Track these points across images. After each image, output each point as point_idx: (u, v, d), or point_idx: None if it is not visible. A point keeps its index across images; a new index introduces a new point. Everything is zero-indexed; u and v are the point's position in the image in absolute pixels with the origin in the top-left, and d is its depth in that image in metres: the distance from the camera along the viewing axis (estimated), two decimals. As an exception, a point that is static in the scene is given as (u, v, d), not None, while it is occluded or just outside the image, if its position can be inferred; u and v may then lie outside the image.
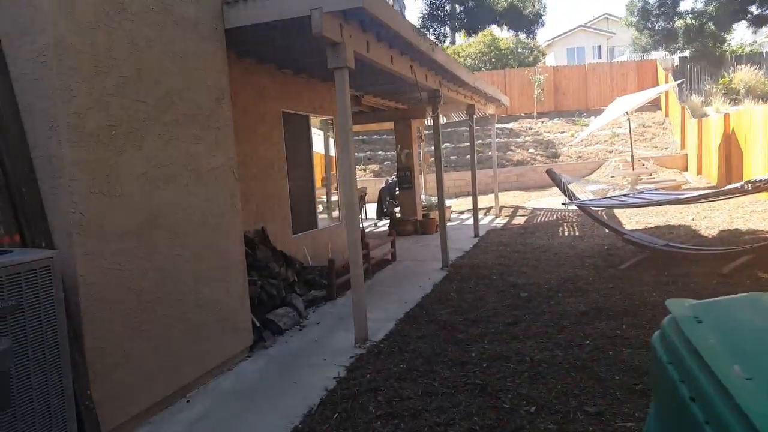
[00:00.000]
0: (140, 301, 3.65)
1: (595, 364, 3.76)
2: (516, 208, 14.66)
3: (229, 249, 4.60)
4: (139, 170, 3.66)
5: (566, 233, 9.84)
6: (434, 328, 5.15)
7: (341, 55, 4.61)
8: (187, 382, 4.10)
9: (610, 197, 7.29)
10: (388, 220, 13.61)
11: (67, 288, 3.12)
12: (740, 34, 37.97)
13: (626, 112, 15.33)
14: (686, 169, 19.17)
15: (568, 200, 7.28)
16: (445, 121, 15.43)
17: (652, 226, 9.32)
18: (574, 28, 36.01)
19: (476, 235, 10.66)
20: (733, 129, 14.09)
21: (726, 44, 35.94)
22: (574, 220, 11.46)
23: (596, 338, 4.27)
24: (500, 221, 12.71)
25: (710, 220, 9.41)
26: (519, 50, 26.37)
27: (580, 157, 20.14)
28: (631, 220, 10.29)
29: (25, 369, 2.74)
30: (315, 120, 8.07)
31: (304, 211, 7.61)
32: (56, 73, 3.10)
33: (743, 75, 23.81)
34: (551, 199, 16.33)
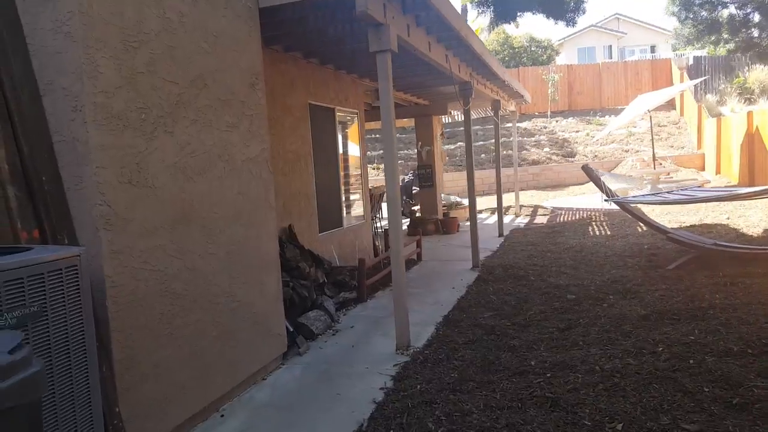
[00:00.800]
0: (173, 304, 3.27)
1: (677, 374, 3.36)
2: (536, 208, 14.26)
3: (264, 247, 4.22)
4: (171, 159, 3.28)
5: (597, 232, 9.43)
6: (480, 333, 4.76)
7: (384, 37, 4.23)
8: (221, 394, 3.72)
9: (653, 194, 6.89)
10: (406, 220, 13.24)
11: (94, 290, 2.74)
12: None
13: (647, 111, 14.94)
14: (703, 169, 18.74)
15: (607, 197, 6.88)
16: (462, 118, 15.05)
17: (687, 225, 8.91)
18: (585, 28, 35.60)
19: (501, 234, 10.27)
20: (757, 128, 13.66)
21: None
22: (602, 219, 11.05)
23: (669, 345, 3.86)
24: (522, 220, 12.32)
25: (746, 219, 8.99)
26: (532, 48, 26.00)
27: (596, 156, 19.74)
28: (663, 219, 9.87)
29: (50, 388, 2.36)
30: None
31: (330, 209, 7.23)
32: (81, 45, 2.73)
33: (758, 74, 23.40)
34: (570, 198, 15.94)
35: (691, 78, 22.38)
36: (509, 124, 19.58)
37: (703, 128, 19.05)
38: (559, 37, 34.25)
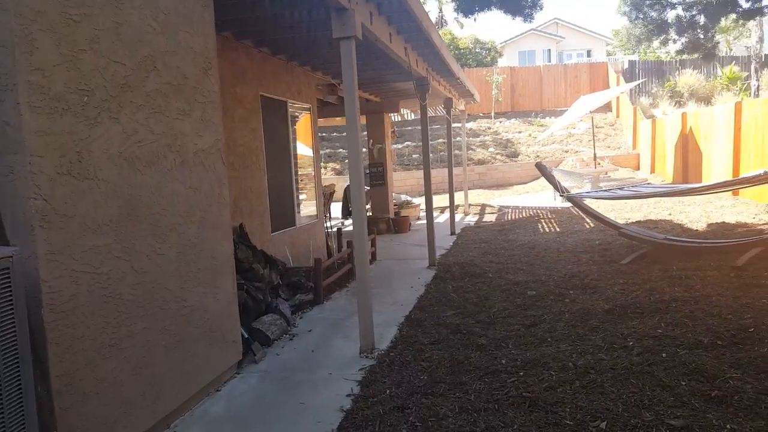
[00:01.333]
0: (118, 312, 2.93)
1: (653, 368, 3.32)
2: (483, 206, 14.38)
3: (218, 247, 3.91)
4: (116, 148, 2.93)
5: (547, 229, 9.56)
6: (445, 332, 4.62)
7: (349, 22, 4.01)
8: (172, 409, 3.38)
9: (605, 190, 7.01)
10: (356, 220, 13.05)
11: (28, 297, 2.39)
12: (671, 47, 39.66)
13: (589, 112, 15.39)
14: (638, 168, 19.56)
15: (562, 193, 6.93)
16: (412, 117, 15.00)
17: (633, 221, 9.17)
18: (526, 32, 36.53)
19: (453, 232, 10.25)
20: (690, 128, 14.35)
21: (666, 50, 37.41)
22: (549, 216, 11.24)
23: (639, 338, 3.85)
24: (471, 219, 12.37)
25: (687, 214, 9.36)
26: (477, 50, 26.37)
27: (538, 156, 20.21)
28: (608, 215, 10.12)
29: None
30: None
31: (283, 207, 6.92)
32: (13, 14, 2.37)
33: (687, 78, 24.75)
34: (516, 197, 16.21)
35: (627, 81, 23.38)
36: (457, 124, 19.76)
37: (638, 129, 19.88)
38: (502, 39, 35.00)
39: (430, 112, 14.86)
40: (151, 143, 3.21)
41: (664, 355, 3.48)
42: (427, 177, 7.55)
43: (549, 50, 36.88)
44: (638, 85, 23.16)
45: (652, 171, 17.64)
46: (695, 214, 9.25)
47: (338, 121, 14.50)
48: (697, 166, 13.56)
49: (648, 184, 7.59)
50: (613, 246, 7.28)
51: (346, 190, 13.70)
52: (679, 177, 14.96)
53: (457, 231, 10.39)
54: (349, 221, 13.32)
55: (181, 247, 3.47)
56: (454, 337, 4.51)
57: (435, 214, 14.05)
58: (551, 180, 7.36)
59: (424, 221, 13.05)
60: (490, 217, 12.26)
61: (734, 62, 24.64)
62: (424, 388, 3.57)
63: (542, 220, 10.66)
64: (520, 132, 22.13)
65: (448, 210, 12.16)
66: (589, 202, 7.91)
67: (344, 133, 21.40)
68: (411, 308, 5.53)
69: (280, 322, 5.10)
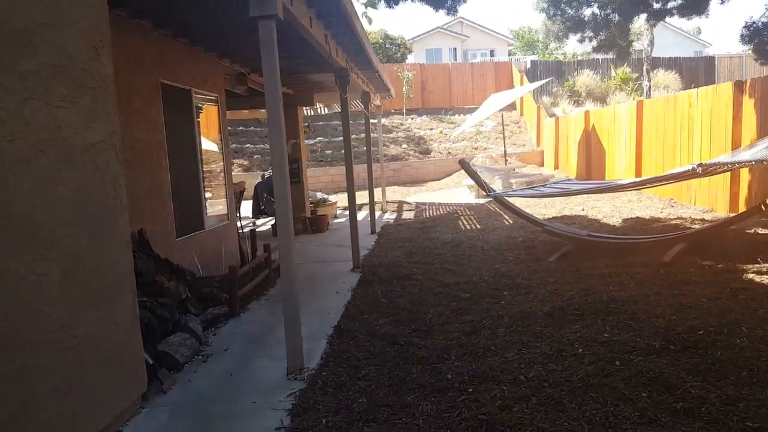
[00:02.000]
0: (-19, 353, 2.26)
1: (610, 380, 3.14)
2: (400, 203, 14.20)
3: (115, 261, 3.26)
4: (-28, 141, 2.26)
5: (468, 227, 9.48)
6: (381, 344, 4.24)
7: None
8: (60, 465, 2.74)
9: (530, 188, 6.96)
10: (269, 219, 12.36)
11: None
12: (572, 46, 42.11)
13: (499, 109, 15.68)
14: (542, 165, 20.33)
15: (489, 192, 6.80)
16: (325, 112, 14.49)
17: (550, 217, 9.31)
18: (432, 30, 37.05)
19: (373, 231, 9.91)
20: (593, 126, 15.02)
21: (562, 51, 39.54)
22: (468, 213, 11.23)
23: (587, 344, 3.68)
24: (390, 216, 12.12)
25: (599, 209, 9.66)
26: (387, 45, 26.24)
27: (449, 153, 20.43)
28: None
29: None
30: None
31: (189, 209, 6.21)
32: None
33: (585, 79, 26.19)
34: (431, 194, 16.21)
35: (530, 80, 24.29)
36: (372, 120, 19.44)
37: (542, 127, 20.65)
38: (409, 36, 35.23)
39: (339, 108, 14.43)
40: (26, 137, 2.54)
41: (617, 363, 3.32)
42: (350, 172, 7.14)
43: (455, 49, 37.67)
44: (542, 84, 24.20)
45: (556, 167, 18.36)
46: (606, 209, 9.56)
47: (246, 114, 13.70)
48: (600, 162, 14.20)
49: (570, 180, 7.67)
50: (537, 243, 7.27)
51: (257, 188, 12.96)
52: (582, 173, 15.62)
53: (378, 230, 10.07)
54: (261, 221, 12.59)
55: (68, 263, 2.81)
56: (390, 349, 4.14)
57: (351, 212, 13.70)
58: (476, 177, 7.21)
59: (342, 220, 12.67)
60: (408, 215, 12.08)
61: (626, 64, 26.39)
62: (365, 413, 3.17)
63: (462, 217, 10.60)
64: (431, 129, 22.29)
65: (366, 208, 11.83)
66: (511, 200, 7.86)
67: (251, 128, 20.43)
68: (339, 317, 5.10)
69: (190, 342, 4.48)
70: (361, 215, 12.58)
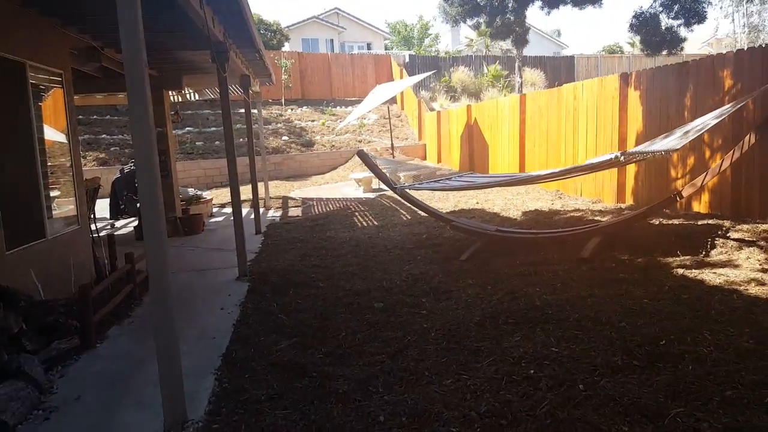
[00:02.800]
0: None
1: (581, 411, 2.60)
2: (285, 199, 13.20)
3: None
4: None
5: (364, 223, 8.82)
6: (287, 378, 3.40)
7: None
8: None
9: (435, 181, 6.45)
10: (131, 220, 10.77)
11: None
12: (445, 43, 43.39)
13: (386, 101, 15.24)
14: (425, 158, 20.38)
15: (394, 186, 6.17)
16: (196, 98, 13.01)
17: (447, 210, 8.94)
18: (307, 19, 35.95)
19: (259, 231, 8.88)
20: (475, 120, 15.14)
21: (441, 47, 40.45)
22: (361, 208, 10.57)
23: (537, 363, 3.14)
24: (275, 214, 11.10)
25: (492, 203, 9.49)
26: (262, 31, 24.75)
27: (333, 146, 19.70)
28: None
29: None
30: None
31: (24, 213, 4.84)
32: None
33: (460, 75, 26.84)
34: (317, 188, 15.36)
35: (410, 74, 24.30)
36: (241, 110, 18.05)
37: (423, 121, 20.65)
38: (285, 25, 33.80)
39: (209, 94, 13.07)
40: None
41: (581, 386, 2.81)
42: (233, 165, 6.12)
43: (332, 40, 36.94)
44: (423, 78, 24.35)
45: (439, 161, 18.41)
46: (500, 202, 9.42)
47: (101, 100, 11.85)
48: (483, 155, 14.31)
49: (473, 173, 7.31)
50: (442, 240, 6.78)
51: (115, 184, 11.25)
52: (465, 166, 15.71)
53: (263, 229, 9.06)
54: (122, 222, 10.93)
55: None
56: (300, 383, 3.32)
57: (230, 209, 12.45)
58: (376, 171, 6.54)
59: (220, 219, 11.39)
60: (295, 212, 11.15)
61: (498, 61, 27.44)
62: (280, 486, 2.34)
63: (356, 213, 9.91)
64: (313, 120, 21.38)
65: (248, 204, 10.72)
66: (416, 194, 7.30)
67: (107, 116, 18.10)
68: (228, 342, 4.16)
69: (26, 393, 3.31)
70: (243, 213, 11.45)
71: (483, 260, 5.60)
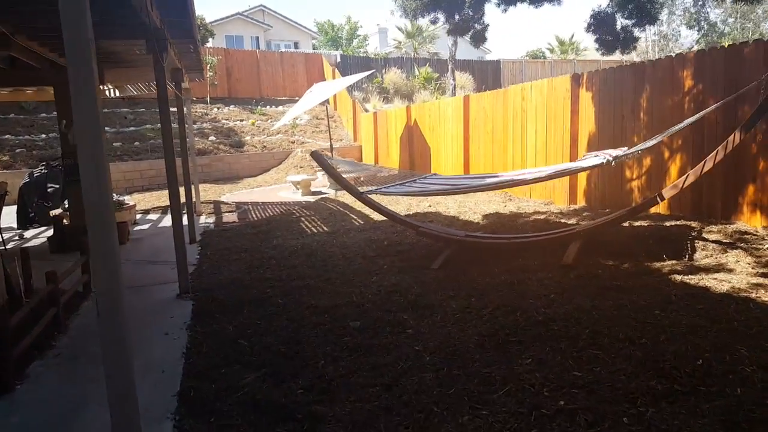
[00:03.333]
0: None
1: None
2: (217, 204, 12.29)
3: None
4: None
5: (313, 229, 8.21)
6: (264, 423, 2.82)
7: None
8: None
9: (402, 185, 5.97)
10: (44, 229, 9.55)
11: None
12: (374, 45, 43.19)
13: (324, 100, 14.63)
14: (362, 160, 19.94)
15: (352, 190, 5.66)
16: (115, 95, 11.85)
17: (402, 215, 8.51)
18: (231, 16, 34.53)
19: (194, 240, 8.05)
20: (415, 120, 14.88)
21: (364, 50, 40.24)
22: (306, 213, 9.93)
23: (565, 393, 2.73)
24: (208, 220, 10.23)
25: (446, 206, 9.18)
26: (184, 25, 23.30)
27: (265, 147, 18.82)
28: (368, 210, 9.33)
29: None
30: None
31: None
32: None
33: (392, 76, 26.65)
34: (250, 192, 14.50)
35: (343, 74, 23.78)
36: (174, 109, 16.79)
37: (359, 122, 20.21)
38: (208, 20, 32.23)
39: (134, 91, 11.98)
40: None
41: (626, 420, 2.44)
42: (171, 166, 5.37)
43: (257, 38, 35.70)
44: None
45: (376, 162, 18.03)
46: (453, 205, 9.12)
47: (7, 95, 10.49)
48: (425, 156, 14.07)
49: (436, 175, 6.91)
50: (406, 246, 6.34)
51: (23, 189, 9.98)
52: (406, 167, 15.43)
53: (198, 238, 8.24)
54: (32, 232, 9.65)
55: None
56: (283, 429, 2.75)
57: (155, 216, 11.40)
58: (333, 173, 5.99)
59: (145, 226, 10.34)
60: (230, 217, 10.33)
61: (428, 63, 27.51)
62: None
63: (302, 219, 9.27)
64: (242, 120, 20.35)
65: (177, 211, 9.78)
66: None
67: (11, 115, 16.27)
68: (182, 375, 3.50)
69: None
70: (167, 221, 10.48)
71: (458, 269, 5.20)
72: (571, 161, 8.25)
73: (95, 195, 2.21)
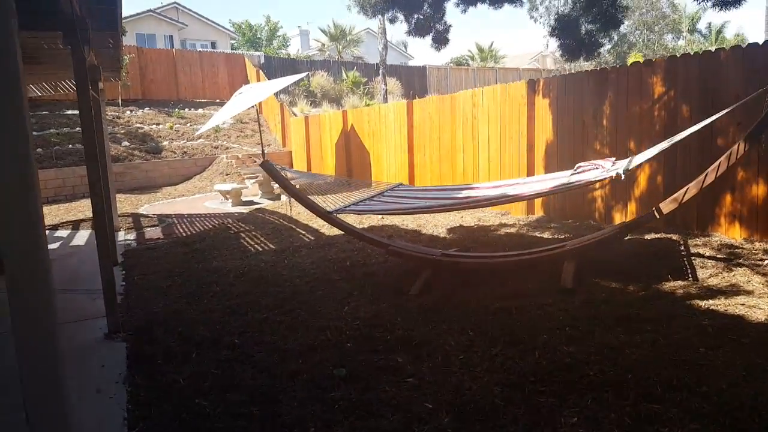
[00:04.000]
0: None
1: None
2: (135, 216, 11.02)
3: None
4: None
5: (257, 247, 7.33)
6: None
7: None
8: None
9: (379, 201, 5.29)
10: None
11: None
12: (295, 47, 42.12)
13: (256, 103, 13.63)
14: (292, 166, 19.01)
15: (317, 210, 4.94)
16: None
17: (361, 228, 7.83)
18: (143, 13, 32.32)
19: (115, 261, 6.94)
20: (352, 125, 14.25)
21: (286, 52, 39.07)
22: (242, 226, 8.98)
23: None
24: (128, 236, 9.05)
25: (402, 219, 8.60)
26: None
27: (185, 152, 17.47)
28: (317, 224, 8.59)
29: None
30: None
31: None
32: None
33: (319, 80, 25.86)
34: (172, 202, 13.23)
35: (268, 76, 22.70)
36: (68, 111, 15.08)
37: (288, 127, 19.27)
38: (116, 16, 29.95)
39: (35, 92, 10.52)
40: None
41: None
42: (95, 174, 4.40)
43: (171, 36, 33.69)
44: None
45: (309, 169, 17.21)
46: (409, 218, 8.55)
47: None
48: (364, 164, 13.47)
49: (407, 187, 6.29)
50: (373, 267, 5.66)
51: None
52: (342, 172, 14.77)
53: (120, 258, 7.14)
54: None
55: None
56: None
57: (67, 232, 9.99)
58: (287, 185, 5.23)
59: (54, 245, 8.89)
60: (154, 233, 9.20)
61: (355, 68, 26.98)
62: None
63: (241, 234, 8.33)
64: (158, 124, 18.80)
65: (88, 225, 8.55)
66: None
67: None
68: (126, 458, 2.65)
69: None
70: (82, 238, 9.20)
71: (441, 294, 4.60)
72: (528, 169, 7.96)
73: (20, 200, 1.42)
